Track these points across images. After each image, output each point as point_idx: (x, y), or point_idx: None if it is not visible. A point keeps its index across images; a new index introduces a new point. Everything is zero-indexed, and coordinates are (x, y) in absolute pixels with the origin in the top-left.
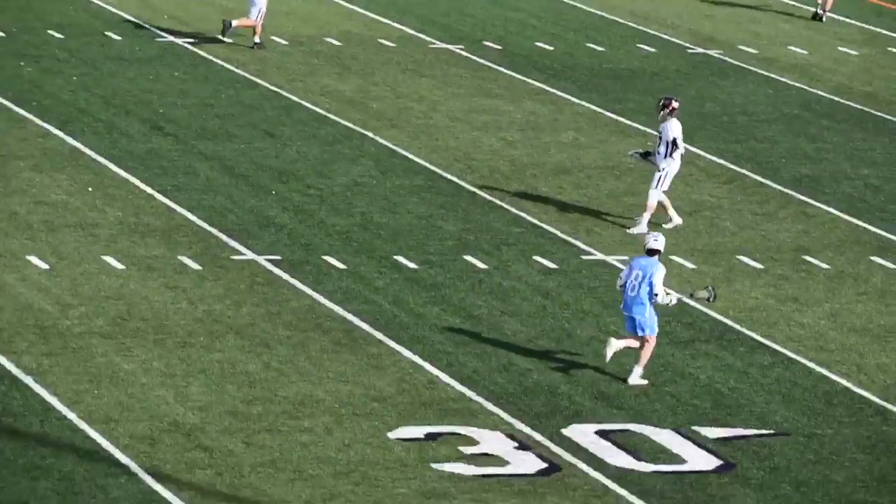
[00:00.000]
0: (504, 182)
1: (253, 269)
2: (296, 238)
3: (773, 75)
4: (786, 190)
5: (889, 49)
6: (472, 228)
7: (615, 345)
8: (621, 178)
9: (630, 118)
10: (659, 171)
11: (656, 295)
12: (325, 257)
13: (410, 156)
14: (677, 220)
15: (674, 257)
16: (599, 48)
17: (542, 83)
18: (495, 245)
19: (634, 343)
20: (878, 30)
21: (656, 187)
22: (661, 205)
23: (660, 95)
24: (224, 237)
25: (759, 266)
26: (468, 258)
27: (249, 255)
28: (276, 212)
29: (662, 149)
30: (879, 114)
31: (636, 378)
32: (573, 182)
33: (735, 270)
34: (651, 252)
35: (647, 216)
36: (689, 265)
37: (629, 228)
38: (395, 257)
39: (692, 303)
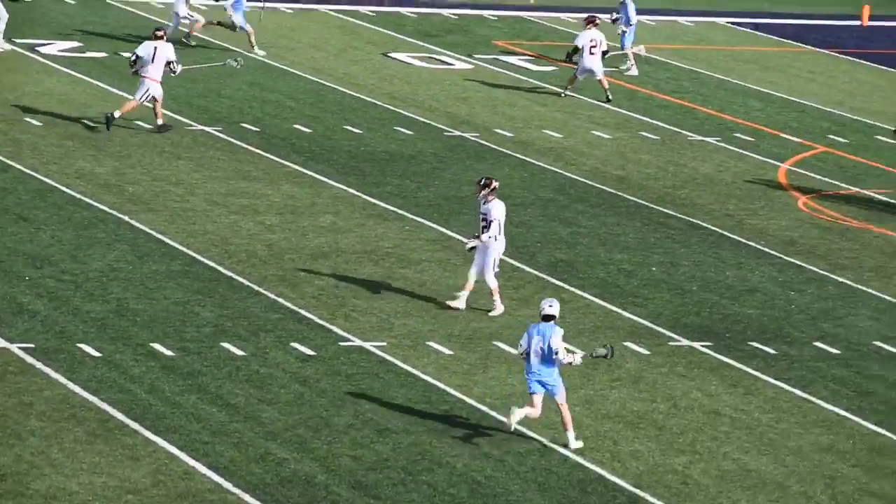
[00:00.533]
0: (262, 267)
1: (5, 357)
2: (50, 325)
3: (528, 158)
4: (541, 275)
5: (640, 133)
6: (230, 315)
7: (517, 413)
8: (379, 262)
9: (387, 201)
10: (493, 254)
11: (556, 354)
12: (80, 345)
13: (167, 240)
14: (461, 305)
15: (430, 343)
16: (357, 130)
17: (300, 166)
18: (253, 331)
19: (534, 412)
20: (630, 114)
21: (495, 269)
22: (469, 284)
23: (418, 178)
24: None
25: (514, 352)
26: (225, 345)
27: (1, 343)
28: (29, 298)
29: (494, 229)
30: (632, 198)
31: (573, 441)
32: (331, 266)
33: (492, 357)
34: (547, 318)
35: (498, 300)
36: (447, 351)
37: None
38: (152, 344)
39: (451, 389)
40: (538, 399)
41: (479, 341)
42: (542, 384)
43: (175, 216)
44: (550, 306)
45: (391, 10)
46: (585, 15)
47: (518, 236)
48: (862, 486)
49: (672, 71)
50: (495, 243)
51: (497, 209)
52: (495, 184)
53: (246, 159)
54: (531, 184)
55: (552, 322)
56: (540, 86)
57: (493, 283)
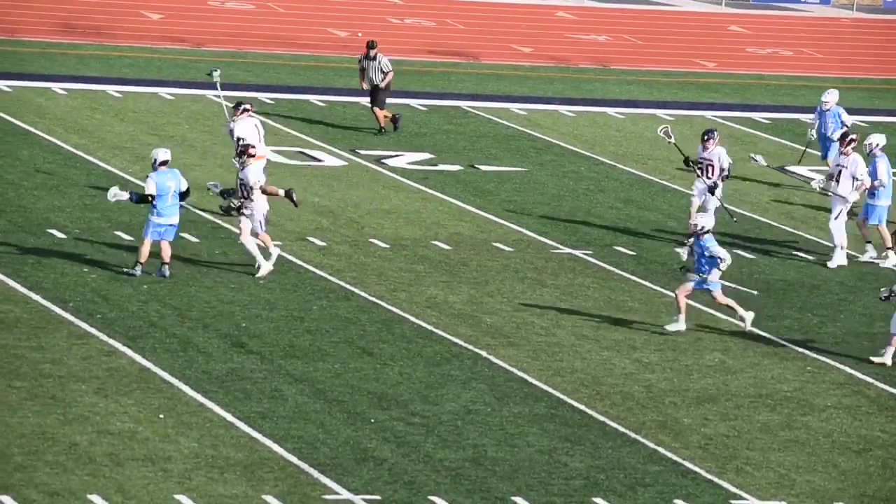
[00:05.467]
0: (639, 411)
1: None
2: (398, 475)
3: None
4: None
5: None
6: (603, 465)
7: None
8: (776, 408)
9: (785, 337)
10: (843, 203)
11: None
12: (432, 497)
13: (530, 379)
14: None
15: (839, 503)
16: (749, 255)
17: None
18: (629, 486)
19: None
20: None
21: (835, 218)
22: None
23: (822, 311)
24: (315, 473)
25: None
26: (598, 500)
27: (345, 494)
28: (375, 444)
29: (848, 182)
30: None
31: None
32: (720, 412)
33: None
34: None
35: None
36: None
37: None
38: (513, 498)
39: None
40: None
41: None
42: None
43: (539, 352)
44: None
45: (789, 116)
46: None
47: None
48: None
49: None
50: (850, 193)
51: (858, 162)
52: (854, 137)
53: (620, 288)
54: None
55: None
56: None
57: (840, 231)
